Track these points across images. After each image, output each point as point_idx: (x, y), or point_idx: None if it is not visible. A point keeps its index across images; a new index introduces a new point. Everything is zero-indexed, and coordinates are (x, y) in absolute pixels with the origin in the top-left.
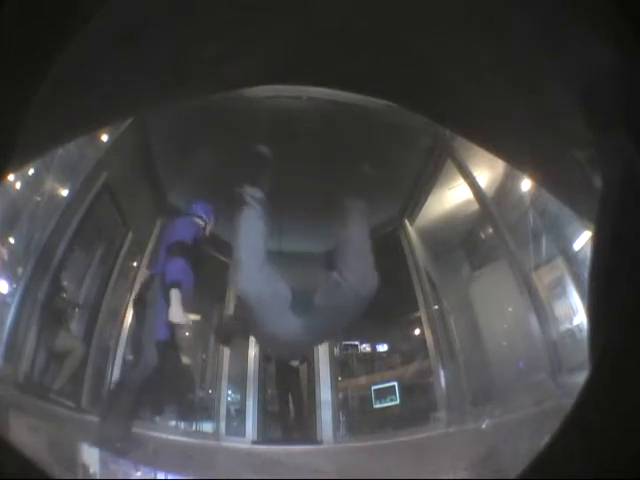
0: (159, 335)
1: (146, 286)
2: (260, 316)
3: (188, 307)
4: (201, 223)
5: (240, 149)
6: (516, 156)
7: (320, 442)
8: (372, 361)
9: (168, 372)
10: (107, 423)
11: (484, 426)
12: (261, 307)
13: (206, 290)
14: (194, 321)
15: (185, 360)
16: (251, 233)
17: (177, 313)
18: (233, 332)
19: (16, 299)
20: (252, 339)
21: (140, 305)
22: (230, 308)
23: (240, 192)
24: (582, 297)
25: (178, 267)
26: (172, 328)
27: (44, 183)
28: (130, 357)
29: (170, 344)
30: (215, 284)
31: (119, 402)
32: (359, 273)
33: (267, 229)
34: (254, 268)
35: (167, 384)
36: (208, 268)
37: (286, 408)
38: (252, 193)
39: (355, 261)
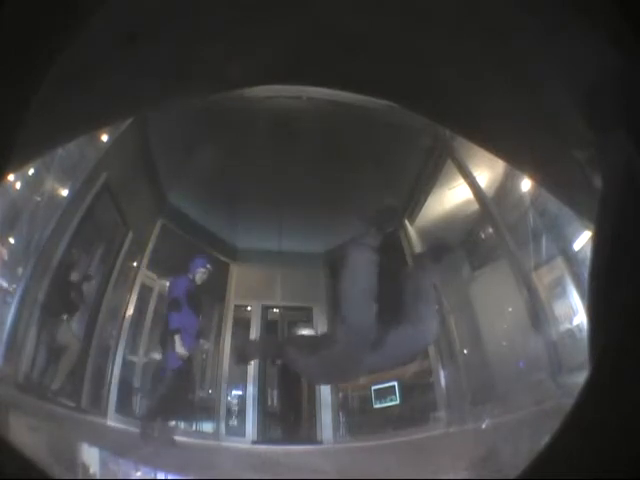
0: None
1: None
2: (342, 355)
3: (196, 339)
4: (190, 277)
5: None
6: (516, 156)
7: (320, 442)
8: None
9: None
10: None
11: (484, 426)
12: (349, 346)
13: (206, 290)
14: None
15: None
16: (369, 279)
17: (182, 350)
18: (253, 355)
19: (16, 299)
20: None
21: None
22: (231, 314)
23: (367, 235)
24: (582, 297)
25: (175, 319)
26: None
27: (44, 183)
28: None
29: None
30: (215, 285)
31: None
32: (432, 324)
33: None
34: (362, 313)
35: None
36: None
37: (286, 408)
38: (376, 241)
39: (429, 313)
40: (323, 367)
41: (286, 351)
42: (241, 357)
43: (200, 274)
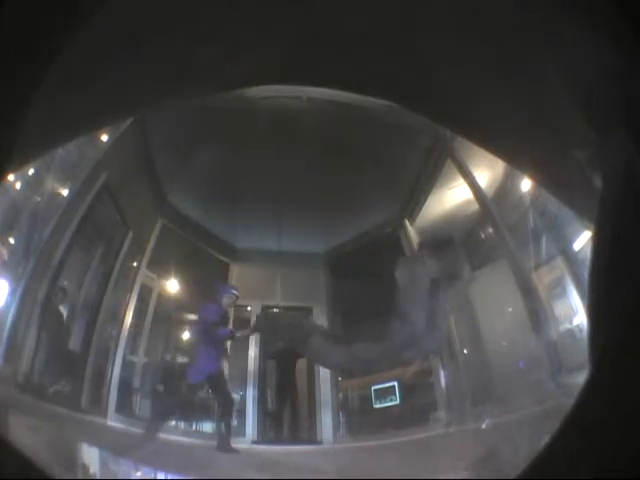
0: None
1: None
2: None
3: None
4: (220, 302)
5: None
6: (516, 156)
7: (320, 442)
8: None
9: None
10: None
11: (484, 426)
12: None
13: (207, 289)
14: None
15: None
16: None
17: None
18: (269, 330)
19: (16, 299)
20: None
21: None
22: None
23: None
24: (582, 297)
25: (223, 332)
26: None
27: (44, 183)
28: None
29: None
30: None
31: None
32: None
33: None
34: (418, 314)
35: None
36: (208, 266)
37: (286, 408)
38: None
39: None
40: (356, 358)
41: (312, 340)
42: (261, 327)
43: (227, 298)
